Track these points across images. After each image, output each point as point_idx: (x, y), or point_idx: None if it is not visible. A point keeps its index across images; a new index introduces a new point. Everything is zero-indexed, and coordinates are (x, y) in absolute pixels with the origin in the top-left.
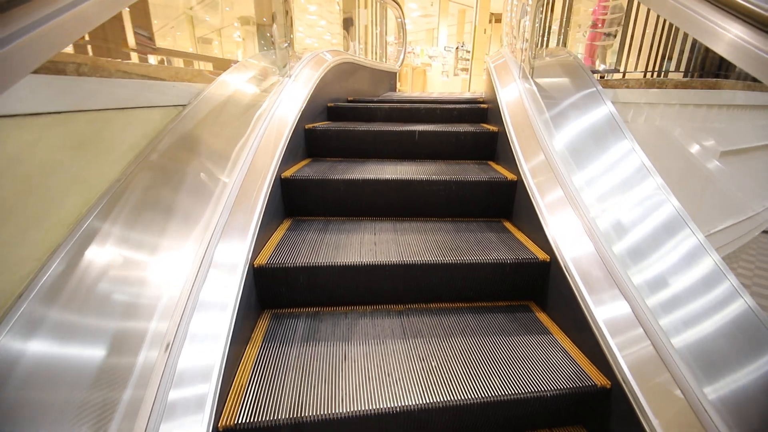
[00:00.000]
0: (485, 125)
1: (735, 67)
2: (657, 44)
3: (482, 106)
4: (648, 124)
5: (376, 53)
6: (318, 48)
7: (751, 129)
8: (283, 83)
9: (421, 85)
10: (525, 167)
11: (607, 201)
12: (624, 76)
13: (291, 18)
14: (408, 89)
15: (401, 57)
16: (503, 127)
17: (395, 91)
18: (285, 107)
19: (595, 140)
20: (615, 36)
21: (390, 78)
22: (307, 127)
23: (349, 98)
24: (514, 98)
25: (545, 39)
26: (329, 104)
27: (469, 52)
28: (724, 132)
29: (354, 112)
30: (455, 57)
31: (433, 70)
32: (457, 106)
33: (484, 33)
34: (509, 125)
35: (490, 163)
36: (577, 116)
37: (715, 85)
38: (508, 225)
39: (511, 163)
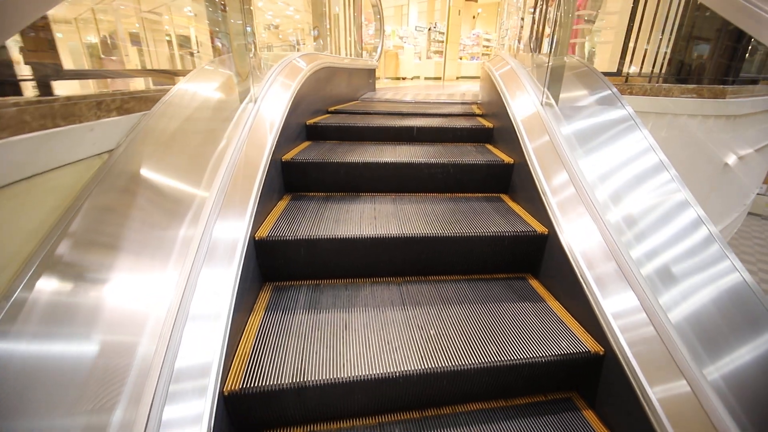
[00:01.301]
0: (491, 147)
1: (739, 72)
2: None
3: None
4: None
5: (351, 47)
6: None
7: (752, 134)
8: (245, 112)
9: (393, 70)
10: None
11: (608, 180)
12: (626, 80)
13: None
14: (381, 75)
15: (379, 49)
16: (524, 158)
17: (374, 89)
18: (253, 141)
19: (603, 129)
20: (594, 21)
21: (369, 76)
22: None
23: (329, 108)
24: (541, 138)
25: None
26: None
27: (442, 33)
28: (729, 141)
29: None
30: (428, 39)
31: (406, 53)
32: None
33: (458, 15)
34: (531, 154)
35: (487, 144)
36: (597, 120)
37: (721, 93)
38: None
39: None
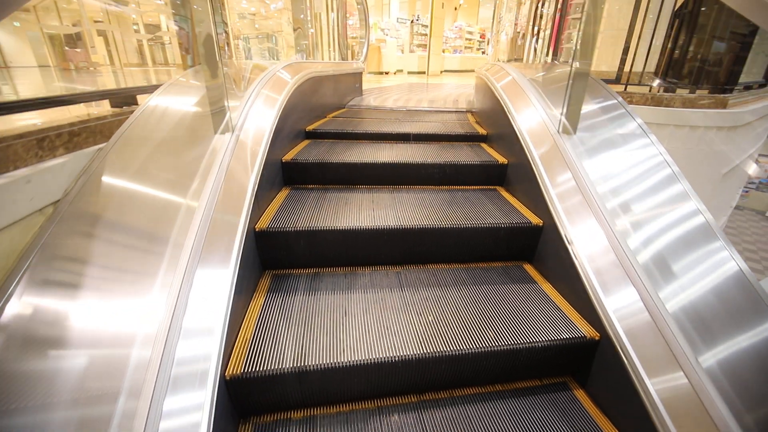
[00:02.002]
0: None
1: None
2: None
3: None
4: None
5: (335, 45)
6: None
7: (750, 138)
8: (221, 144)
9: (376, 64)
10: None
11: (609, 176)
12: (626, 88)
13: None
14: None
15: (365, 50)
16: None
17: (361, 93)
18: (229, 193)
19: (613, 142)
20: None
21: (356, 80)
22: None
23: (307, 128)
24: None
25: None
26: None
27: (425, 26)
28: (727, 152)
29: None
30: (410, 32)
31: (388, 46)
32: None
33: (442, 8)
34: (534, 155)
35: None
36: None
37: (722, 103)
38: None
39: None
